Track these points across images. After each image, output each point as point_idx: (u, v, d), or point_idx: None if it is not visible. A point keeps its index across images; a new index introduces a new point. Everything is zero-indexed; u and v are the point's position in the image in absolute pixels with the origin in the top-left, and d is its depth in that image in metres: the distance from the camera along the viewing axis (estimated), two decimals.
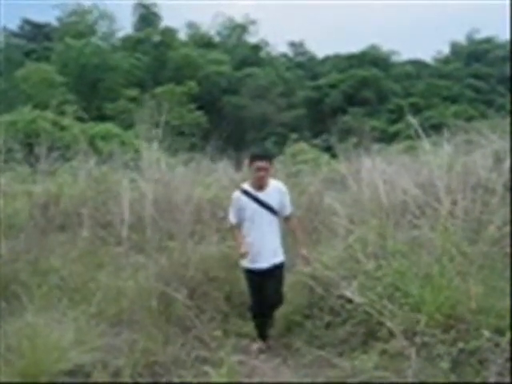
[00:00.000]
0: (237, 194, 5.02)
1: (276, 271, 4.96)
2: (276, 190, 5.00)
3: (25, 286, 5.20)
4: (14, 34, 51.57)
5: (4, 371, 3.89)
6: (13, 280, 5.46)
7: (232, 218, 5.05)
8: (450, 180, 5.97)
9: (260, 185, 4.93)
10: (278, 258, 5.00)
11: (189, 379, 4.07)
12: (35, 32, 54.11)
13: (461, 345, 3.87)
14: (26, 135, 14.75)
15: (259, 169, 4.85)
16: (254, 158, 4.92)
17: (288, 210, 5.10)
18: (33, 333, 4.12)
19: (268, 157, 5.01)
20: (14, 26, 54.92)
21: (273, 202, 4.95)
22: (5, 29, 48.95)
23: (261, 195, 4.93)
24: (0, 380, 3.84)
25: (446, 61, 62.69)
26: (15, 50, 44.06)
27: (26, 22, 55.23)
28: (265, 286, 4.91)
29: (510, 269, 4.44)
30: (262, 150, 4.82)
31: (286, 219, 5.15)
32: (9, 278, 5.53)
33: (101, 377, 3.99)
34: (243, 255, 4.87)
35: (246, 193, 4.97)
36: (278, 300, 5.00)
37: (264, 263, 4.92)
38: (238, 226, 5.02)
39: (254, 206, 4.91)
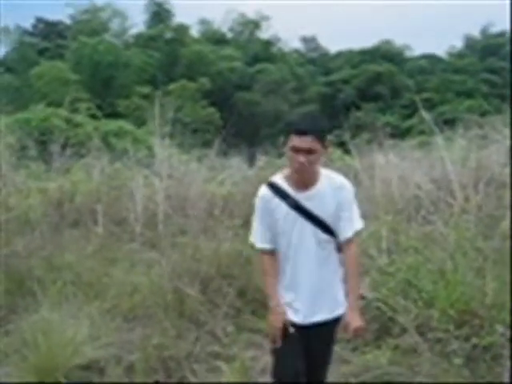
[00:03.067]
0: (264, 191, 2.94)
1: (323, 332, 2.97)
2: (331, 190, 2.88)
3: (39, 281, 5.24)
4: (28, 33, 51.86)
5: (19, 366, 3.94)
6: (28, 276, 5.50)
7: (258, 237, 2.98)
8: (464, 175, 5.94)
9: (301, 180, 2.85)
10: (331, 311, 2.93)
11: (201, 374, 4.09)
12: (48, 30, 54.35)
13: (474, 340, 3.86)
14: (40, 133, 14.87)
15: (297, 150, 2.74)
16: (290, 130, 2.79)
17: (351, 227, 2.90)
18: (48, 328, 4.16)
19: (315, 131, 2.75)
20: (27, 24, 55.17)
21: (324, 210, 2.86)
22: (18, 27, 49.29)
23: (303, 198, 2.85)
24: (15, 374, 3.89)
25: (459, 55, 62.10)
26: (29, 49, 44.39)
27: (40, 20, 55.50)
28: (298, 353, 2.91)
29: (510, 266, 4.40)
30: (303, 118, 2.96)
31: (345, 243, 2.92)
32: (24, 273, 5.58)
33: (115, 372, 4.02)
34: (276, 317, 2.92)
35: (277, 191, 2.90)
36: (318, 378, 3.06)
37: (299, 316, 2.92)
38: (270, 251, 2.96)
39: (291, 215, 2.86)
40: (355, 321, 2.86)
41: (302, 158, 2.73)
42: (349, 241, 2.91)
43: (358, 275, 3.04)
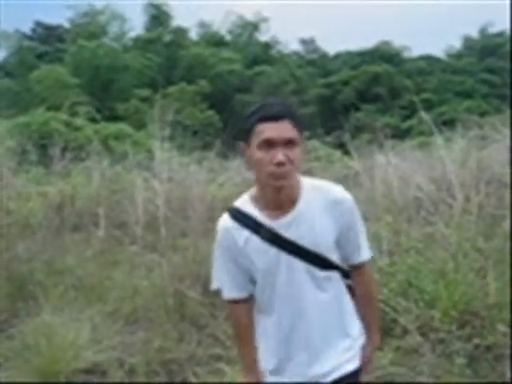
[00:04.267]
0: (226, 222, 2.10)
1: None
2: (324, 207, 2.04)
3: (41, 285, 5.25)
4: (27, 37, 51.88)
5: (22, 369, 3.94)
6: (29, 280, 5.51)
7: (225, 284, 2.16)
8: (464, 175, 5.94)
9: (276, 198, 2.00)
10: (344, 364, 2.10)
11: (203, 377, 4.09)
12: (47, 34, 54.40)
13: (476, 341, 3.86)
14: (40, 136, 14.89)
15: (270, 143, 1.89)
16: (255, 120, 1.92)
17: (360, 253, 2.16)
18: (49, 332, 4.16)
19: (292, 115, 1.94)
20: (26, 28, 55.28)
21: (315, 239, 2.02)
22: (17, 31, 49.31)
23: (281, 225, 2.01)
24: (18, 378, 3.89)
25: (458, 55, 62.18)
26: (28, 53, 44.36)
27: (39, 24, 55.56)
28: None
29: (510, 266, 4.40)
30: (272, 103, 1.96)
31: (353, 271, 2.19)
32: (25, 277, 5.59)
33: (116, 375, 4.03)
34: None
35: (244, 220, 2.06)
36: None
37: (297, 378, 2.08)
38: (244, 300, 2.14)
39: (270, 252, 2.02)
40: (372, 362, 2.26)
41: (280, 155, 1.85)
42: (358, 266, 2.17)
43: (376, 307, 2.30)
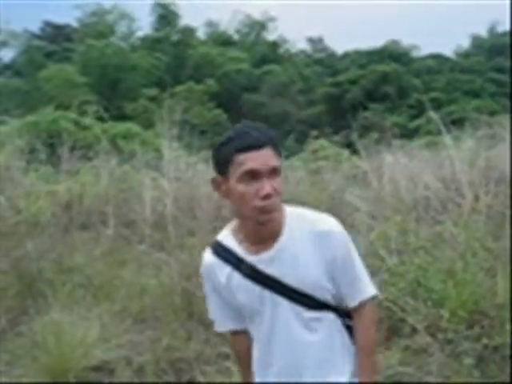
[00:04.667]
0: (209, 257, 1.96)
1: None
2: (309, 240, 1.83)
3: (50, 283, 5.28)
4: (36, 36, 52.12)
5: (31, 367, 3.96)
6: (38, 278, 5.54)
7: (216, 318, 2.04)
8: (473, 175, 5.92)
9: (259, 232, 1.83)
10: None
11: (211, 375, 4.10)
12: (56, 33, 54.63)
13: (485, 341, 3.84)
14: (49, 135, 14.93)
15: (254, 175, 1.70)
16: (233, 150, 1.71)
17: (359, 293, 1.90)
18: (58, 330, 4.18)
19: (272, 141, 1.75)
20: (35, 28, 55.55)
21: (300, 276, 1.83)
22: (26, 31, 49.56)
23: (262, 261, 1.84)
24: (27, 375, 3.92)
25: (467, 55, 61.91)
26: (36, 52, 44.56)
27: (47, 23, 55.81)
28: None
29: (510, 266, 4.38)
30: (249, 128, 1.74)
31: (353, 312, 1.93)
32: (34, 276, 5.61)
33: (125, 373, 4.04)
34: None
35: (226, 255, 1.91)
36: None
37: None
38: (240, 331, 2.02)
39: (254, 289, 1.86)
40: None
41: (267, 187, 1.69)
42: (356, 309, 1.91)
43: (373, 352, 1.96)
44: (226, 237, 1.93)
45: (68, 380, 3.90)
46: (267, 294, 1.85)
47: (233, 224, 1.94)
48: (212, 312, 2.05)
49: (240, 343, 2.04)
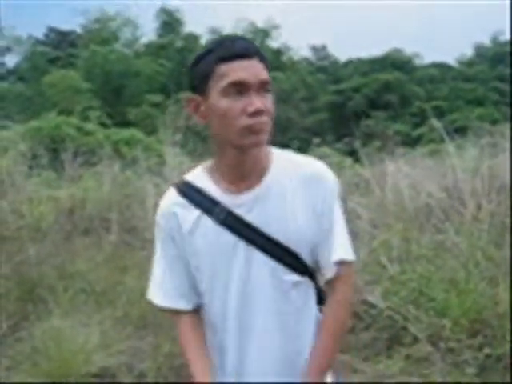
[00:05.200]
0: (171, 197, 1.59)
1: None
2: (297, 184, 1.50)
3: (51, 289, 5.27)
4: (40, 42, 52.35)
5: (31, 373, 3.95)
6: (39, 283, 5.53)
7: (161, 288, 1.62)
8: (475, 183, 5.91)
9: (243, 166, 1.49)
10: None
11: None
12: (60, 39, 54.91)
13: (487, 350, 3.83)
14: (52, 141, 14.99)
15: (240, 87, 1.38)
16: (214, 59, 1.40)
17: (336, 252, 1.53)
18: (59, 336, 4.18)
19: (259, 51, 1.44)
20: (39, 34, 55.83)
21: (286, 225, 1.48)
22: (30, 37, 49.78)
23: (242, 204, 1.49)
24: (28, 381, 3.91)
25: (470, 63, 62.00)
26: (40, 58, 44.72)
27: (51, 29, 56.08)
28: None
29: (510, 271, 4.37)
30: (233, 38, 1.44)
31: (325, 282, 1.59)
32: (35, 281, 5.61)
33: (126, 379, 4.03)
34: None
35: (195, 194, 1.53)
36: None
37: None
38: (189, 312, 1.62)
39: (224, 240, 1.49)
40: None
41: (257, 101, 1.39)
42: (330, 280, 1.57)
43: (336, 336, 1.57)
44: (198, 176, 1.58)
45: None
46: (241, 247, 1.48)
47: (208, 163, 1.60)
48: (158, 278, 1.61)
49: (191, 329, 1.62)
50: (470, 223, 5.26)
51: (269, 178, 1.51)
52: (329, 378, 1.63)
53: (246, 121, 1.39)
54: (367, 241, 5.76)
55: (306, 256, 1.52)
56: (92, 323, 4.50)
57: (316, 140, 13.62)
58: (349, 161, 13.33)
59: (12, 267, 5.72)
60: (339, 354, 4.24)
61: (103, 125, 19.33)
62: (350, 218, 6.83)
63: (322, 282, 1.63)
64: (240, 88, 1.39)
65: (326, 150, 16.64)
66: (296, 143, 11.72)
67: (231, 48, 1.40)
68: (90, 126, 18.64)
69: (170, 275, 1.59)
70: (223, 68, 1.39)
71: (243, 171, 1.50)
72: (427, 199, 6.21)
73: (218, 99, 1.41)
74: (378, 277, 4.94)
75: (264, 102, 1.41)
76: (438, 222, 5.66)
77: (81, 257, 6.32)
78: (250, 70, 1.39)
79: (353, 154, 11.69)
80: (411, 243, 5.33)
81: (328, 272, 1.56)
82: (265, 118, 1.41)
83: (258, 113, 1.39)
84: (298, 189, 1.51)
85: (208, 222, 1.50)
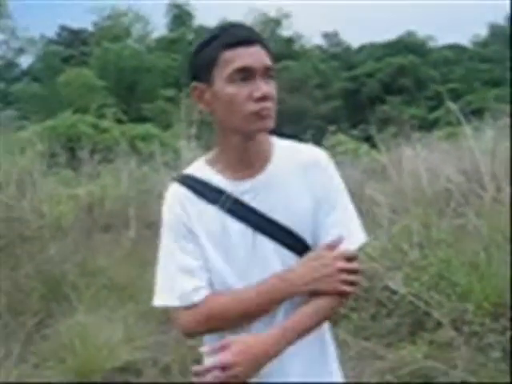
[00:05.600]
0: (178, 191, 1.54)
1: None
2: (298, 172, 1.51)
3: (74, 286, 5.33)
4: (52, 41, 52.65)
5: (58, 369, 4.02)
6: (62, 281, 5.60)
7: (189, 284, 1.51)
8: (494, 165, 5.85)
9: (247, 154, 1.49)
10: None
11: None
12: (72, 38, 55.12)
13: (511, 333, 3.81)
14: (68, 139, 15.11)
15: (245, 72, 1.39)
16: (222, 46, 1.40)
17: (342, 236, 1.49)
18: (84, 332, 4.23)
19: (262, 39, 1.46)
20: (51, 33, 56.17)
21: (290, 211, 1.48)
22: (43, 37, 50.12)
23: (250, 191, 1.49)
24: (55, 377, 3.97)
25: (485, 44, 61.17)
26: (53, 57, 45.00)
27: (63, 28, 56.33)
28: None
29: (510, 264, 4.32)
30: (234, 25, 1.46)
31: None
32: (58, 279, 5.68)
33: (151, 373, 4.07)
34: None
35: (200, 187, 1.52)
36: None
37: None
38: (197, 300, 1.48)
39: (232, 228, 1.47)
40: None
41: (264, 86, 1.40)
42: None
43: (323, 316, 1.57)
44: (199, 168, 1.57)
45: (95, 381, 3.95)
46: (249, 234, 1.47)
47: (208, 155, 1.61)
48: (177, 279, 1.57)
49: (217, 293, 1.49)
50: (490, 206, 5.22)
51: (271, 166, 1.51)
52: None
53: (252, 106, 1.39)
54: (387, 227, 5.73)
55: (310, 241, 1.50)
56: (116, 319, 4.55)
57: (331, 128, 13.55)
58: (365, 147, 13.28)
59: (34, 266, 5.79)
60: (362, 342, 4.25)
61: (119, 121, 19.41)
62: (368, 204, 6.81)
63: None
64: (245, 74, 1.39)
65: (341, 137, 16.56)
66: (311, 131, 11.66)
67: (235, 34, 1.41)
68: (105, 123, 18.74)
69: (198, 265, 1.50)
70: (228, 54, 1.40)
71: (247, 159, 1.50)
72: (446, 183, 6.16)
73: (223, 86, 1.41)
74: (398, 263, 4.92)
75: (269, 87, 1.42)
76: (458, 205, 5.62)
77: (101, 253, 6.38)
78: (254, 55, 1.40)
79: (369, 140, 11.63)
80: (431, 228, 5.30)
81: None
82: (270, 104, 1.41)
83: (264, 98, 1.39)
84: (299, 175, 1.51)
85: (212, 212, 1.48)
